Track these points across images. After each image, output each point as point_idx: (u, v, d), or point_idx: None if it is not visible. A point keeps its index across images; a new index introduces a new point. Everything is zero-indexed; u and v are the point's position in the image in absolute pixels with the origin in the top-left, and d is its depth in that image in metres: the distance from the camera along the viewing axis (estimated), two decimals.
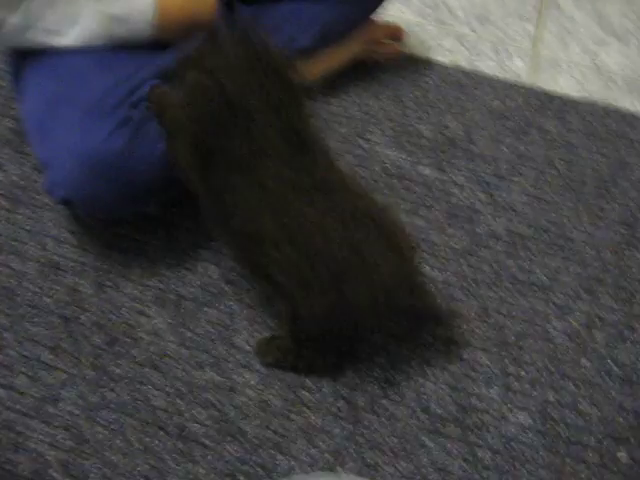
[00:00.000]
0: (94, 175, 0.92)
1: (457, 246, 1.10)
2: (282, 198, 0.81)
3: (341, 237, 0.80)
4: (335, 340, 0.94)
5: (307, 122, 0.85)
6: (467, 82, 1.36)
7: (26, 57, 1.08)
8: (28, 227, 1.09)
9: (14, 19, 0.95)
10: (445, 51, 1.44)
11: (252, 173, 0.82)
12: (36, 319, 0.99)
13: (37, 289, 1.02)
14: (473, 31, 1.51)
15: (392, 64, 1.37)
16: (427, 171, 1.19)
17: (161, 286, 1.02)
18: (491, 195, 1.17)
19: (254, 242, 0.83)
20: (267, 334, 0.98)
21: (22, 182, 1.15)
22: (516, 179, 1.20)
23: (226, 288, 1.02)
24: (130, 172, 0.93)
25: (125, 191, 0.94)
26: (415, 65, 1.39)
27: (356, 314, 0.84)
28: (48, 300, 1.01)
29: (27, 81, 1.06)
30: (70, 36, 0.98)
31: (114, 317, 0.99)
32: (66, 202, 0.98)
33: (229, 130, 0.82)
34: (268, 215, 0.82)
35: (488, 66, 1.42)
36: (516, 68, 1.42)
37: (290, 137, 0.82)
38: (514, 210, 1.15)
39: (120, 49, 1.04)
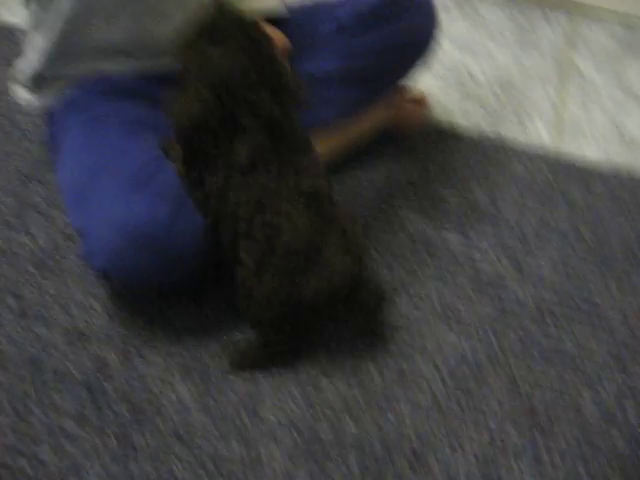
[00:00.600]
0: (135, 246, 0.92)
1: (483, 314, 1.09)
2: (265, 191, 0.93)
3: (307, 235, 0.91)
4: (289, 326, 0.98)
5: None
6: (490, 148, 1.37)
7: (63, 124, 1.11)
8: (54, 293, 1.09)
9: None
10: (468, 116, 1.46)
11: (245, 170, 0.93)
12: (61, 388, 0.99)
13: (63, 357, 1.02)
14: (495, 96, 1.52)
15: (416, 130, 1.39)
16: (452, 238, 1.19)
17: (187, 355, 1.02)
18: (517, 263, 1.16)
19: (229, 217, 0.94)
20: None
21: (49, 247, 1.16)
22: (542, 246, 1.19)
23: None
24: (172, 244, 0.93)
25: (165, 263, 0.94)
26: (438, 131, 1.40)
27: (302, 303, 0.93)
28: (73, 369, 1.01)
29: (64, 150, 1.08)
30: None
31: (139, 386, 0.99)
32: (103, 271, 0.99)
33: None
34: (245, 198, 0.93)
35: (511, 131, 1.43)
36: (539, 133, 1.43)
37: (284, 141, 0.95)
38: (540, 278, 1.14)
39: (157, 114, 1.06)
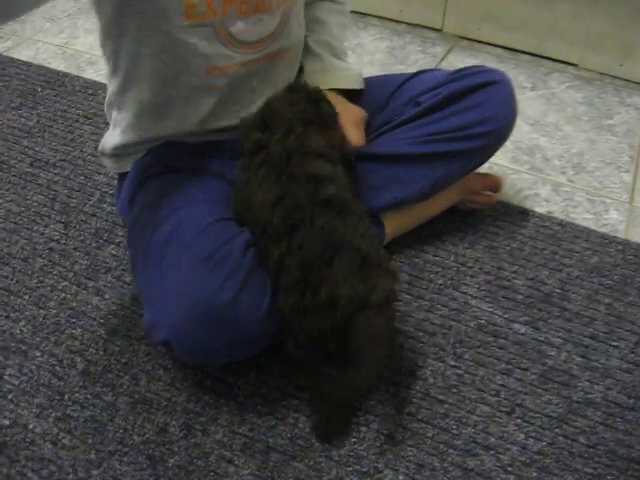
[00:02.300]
0: (200, 323, 0.93)
1: (553, 414, 1.06)
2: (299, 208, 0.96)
3: (324, 238, 0.93)
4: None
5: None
6: (563, 234, 1.35)
7: (139, 191, 1.13)
8: (123, 360, 1.11)
9: None
10: (541, 200, 1.44)
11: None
12: (124, 458, 0.99)
13: (128, 426, 1.03)
14: (569, 180, 1.50)
15: (487, 212, 1.38)
16: (522, 329, 1.17)
17: (250, 434, 1.01)
18: (588, 359, 1.13)
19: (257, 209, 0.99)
20: None
21: (121, 312, 1.17)
22: (614, 343, 1.16)
23: (315, 443, 1.00)
24: (236, 323, 0.93)
25: (228, 341, 0.95)
26: (511, 214, 1.39)
27: (317, 319, 0.92)
28: (137, 439, 1.01)
29: (139, 210, 1.10)
30: None
31: (201, 463, 0.98)
32: (165, 343, 1.00)
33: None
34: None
35: (584, 218, 1.41)
36: (613, 221, 1.41)
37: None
38: (612, 377, 1.11)
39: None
